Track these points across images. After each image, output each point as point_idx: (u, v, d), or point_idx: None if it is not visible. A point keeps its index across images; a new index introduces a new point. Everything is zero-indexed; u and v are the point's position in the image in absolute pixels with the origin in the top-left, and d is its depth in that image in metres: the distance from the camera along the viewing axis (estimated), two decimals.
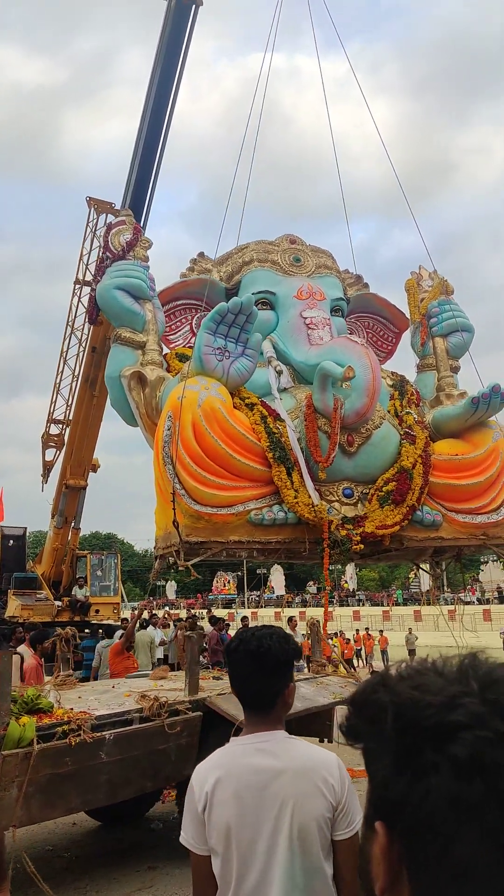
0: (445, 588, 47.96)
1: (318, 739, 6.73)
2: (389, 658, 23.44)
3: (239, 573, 61.73)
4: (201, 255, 10.14)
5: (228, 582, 60.39)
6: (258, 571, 58.67)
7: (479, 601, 41.44)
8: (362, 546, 7.48)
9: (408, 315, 10.56)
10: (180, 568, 7.18)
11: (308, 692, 6.17)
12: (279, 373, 8.47)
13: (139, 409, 8.16)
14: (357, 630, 26.34)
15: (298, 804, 1.88)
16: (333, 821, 1.92)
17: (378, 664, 21.72)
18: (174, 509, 6.89)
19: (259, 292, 9.09)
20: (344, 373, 7.15)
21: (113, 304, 8.43)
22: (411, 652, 23.86)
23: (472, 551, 9.12)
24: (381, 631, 26.57)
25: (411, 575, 45.53)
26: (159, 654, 13.33)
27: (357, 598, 48.85)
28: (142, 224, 15.47)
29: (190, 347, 9.26)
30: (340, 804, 1.93)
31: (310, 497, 7.32)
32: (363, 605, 46.37)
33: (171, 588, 63.06)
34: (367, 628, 26.72)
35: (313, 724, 6.54)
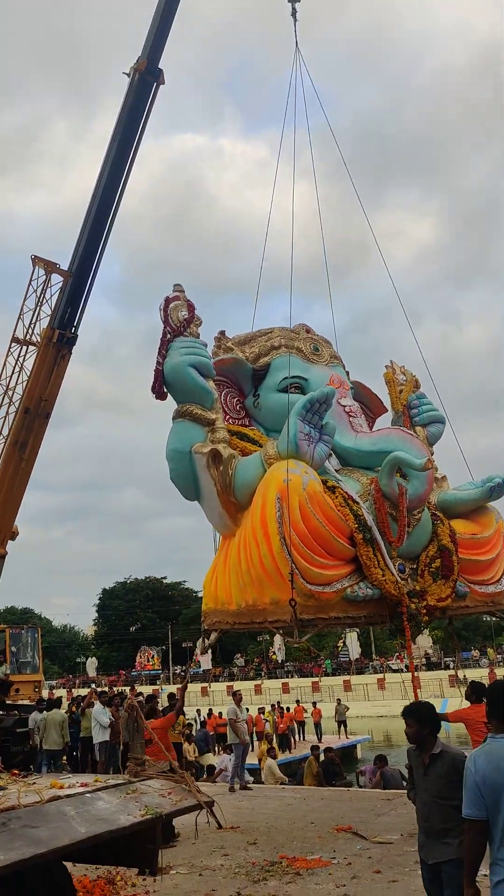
0: (374, 656, 49.19)
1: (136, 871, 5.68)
2: (322, 731, 22.91)
3: (164, 647, 58.39)
4: (223, 333, 10.56)
5: (152, 657, 56.88)
6: (183, 645, 55.20)
7: (407, 668, 42.77)
8: (427, 618, 8.35)
9: (386, 403, 11.91)
10: (295, 645, 7.39)
11: (105, 808, 4.36)
12: (328, 456, 9.16)
13: (216, 485, 8.26)
14: (297, 702, 24.92)
15: None
16: None
17: (312, 738, 21.06)
18: (293, 588, 7.16)
19: (293, 377, 9.77)
20: (423, 465, 8.11)
21: (188, 381, 8.53)
22: (341, 723, 23.42)
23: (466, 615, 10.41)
24: (315, 703, 25.02)
25: (339, 644, 46.49)
26: (105, 736, 12.54)
27: (286, 669, 48.58)
28: (87, 289, 15.31)
29: (238, 424, 9.58)
30: None
31: (393, 575, 8.04)
32: (292, 676, 46.01)
33: (91, 664, 58.41)
34: (297, 701, 25.74)
35: (128, 849, 4.70)
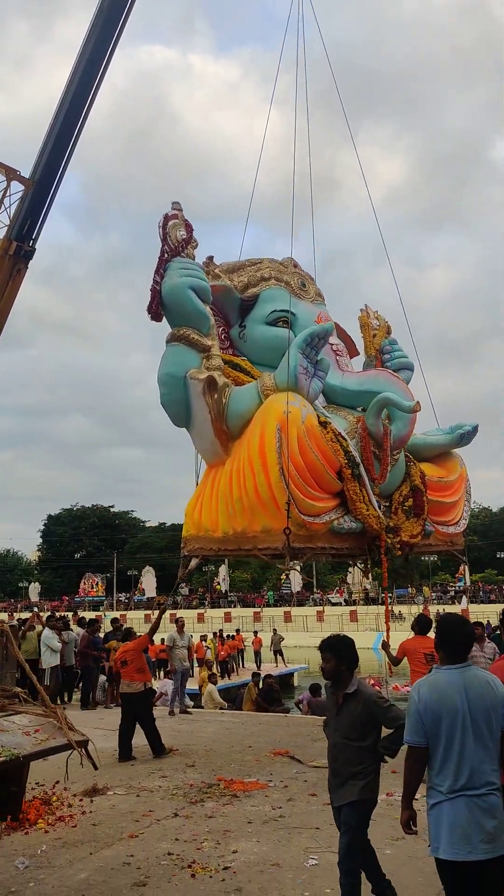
0: (315, 589, 50.46)
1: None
2: (262, 659, 23.52)
3: (108, 574, 58.11)
4: (211, 259, 10.26)
5: (96, 584, 56.42)
6: (129, 573, 55.92)
7: (347, 602, 44.15)
8: (400, 552, 8.79)
9: (359, 347, 12.08)
10: (284, 572, 7.59)
11: None
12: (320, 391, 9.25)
13: (210, 413, 8.19)
14: (237, 630, 25.18)
15: None
16: None
17: (250, 666, 21.59)
18: (288, 517, 7.33)
19: (282, 310, 9.70)
20: (413, 407, 8.37)
21: (187, 304, 8.30)
22: (277, 653, 24.03)
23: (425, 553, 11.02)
24: (256, 632, 26.06)
25: (283, 577, 47.27)
26: (56, 660, 12.55)
27: (229, 599, 49.33)
28: (49, 201, 14.28)
29: (232, 354, 9.46)
30: None
31: (376, 510, 8.36)
32: (235, 606, 46.68)
33: (34, 589, 57.54)
34: (237, 630, 25.81)
35: None
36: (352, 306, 11.52)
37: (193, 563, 8.58)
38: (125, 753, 8.50)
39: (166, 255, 8.52)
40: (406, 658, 7.42)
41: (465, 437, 10.12)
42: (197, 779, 7.41)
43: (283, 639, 24.86)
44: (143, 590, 50.30)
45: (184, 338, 8.38)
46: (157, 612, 9.21)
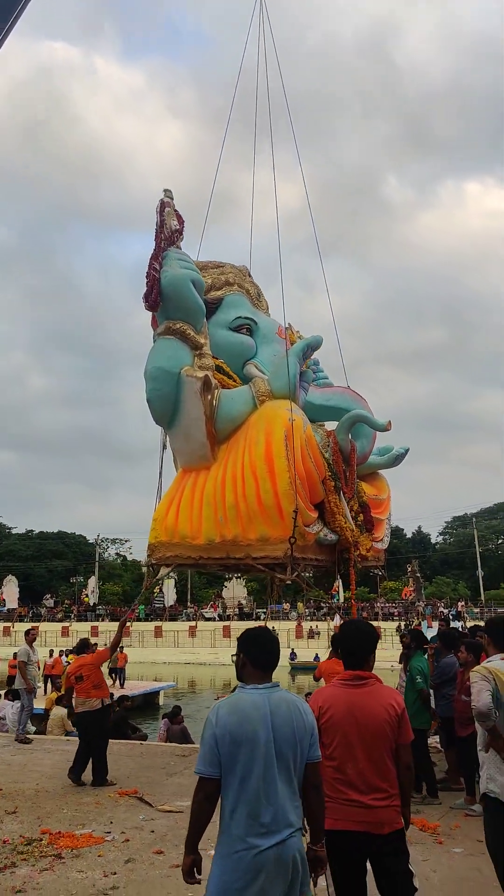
0: (189, 603, 46.76)
1: None
2: (126, 677, 21.58)
3: None
4: None
5: None
6: None
7: (221, 617, 42.14)
8: (361, 566, 9.10)
9: None
10: (287, 582, 7.46)
11: None
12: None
13: (204, 413, 7.80)
14: (94, 644, 22.71)
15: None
16: None
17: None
18: (295, 526, 7.26)
19: (245, 317, 9.63)
20: (385, 425, 8.79)
21: (188, 297, 7.84)
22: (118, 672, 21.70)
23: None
24: (122, 647, 22.47)
25: (156, 590, 42.95)
26: None
27: (97, 612, 45.12)
28: None
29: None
30: None
31: (350, 523, 8.59)
32: (103, 619, 42.55)
33: None
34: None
35: None
36: None
37: (163, 571, 8.05)
38: (76, 774, 7.58)
39: (163, 244, 8.02)
40: (322, 680, 6.98)
41: (398, 459, 10.84)
42: (15, 831, 5.90)
43: (125, 657, 23.39)
44: (4, 600, 45.71)
45: (179, 332, 7.92)
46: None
